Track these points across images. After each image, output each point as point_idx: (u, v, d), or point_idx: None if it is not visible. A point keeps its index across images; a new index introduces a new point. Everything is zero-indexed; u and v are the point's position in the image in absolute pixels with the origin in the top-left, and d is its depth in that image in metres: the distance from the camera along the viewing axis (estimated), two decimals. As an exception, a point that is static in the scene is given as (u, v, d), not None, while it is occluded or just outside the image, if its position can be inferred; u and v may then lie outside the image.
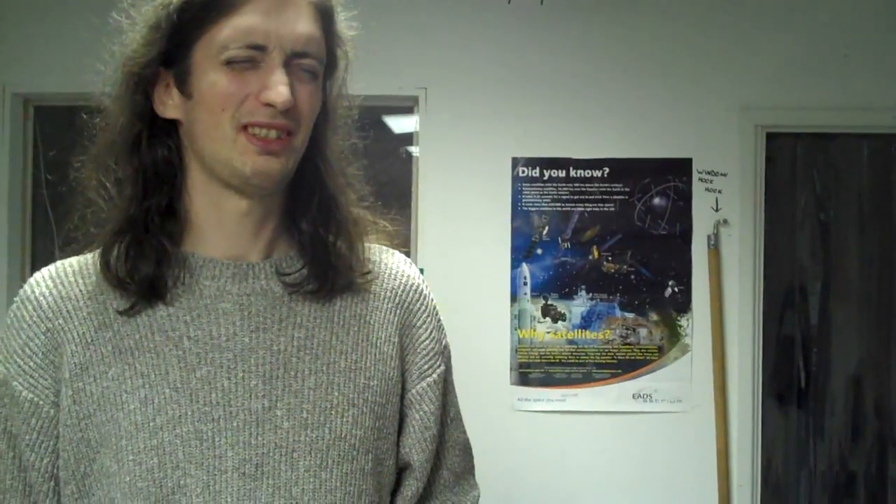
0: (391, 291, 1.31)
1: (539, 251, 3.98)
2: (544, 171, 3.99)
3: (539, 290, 3.97)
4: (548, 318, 3.97)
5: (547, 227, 3.98)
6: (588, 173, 3.98)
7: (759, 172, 3.97)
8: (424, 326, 1.34)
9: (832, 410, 4.04)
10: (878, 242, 4.06)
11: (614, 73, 4.00)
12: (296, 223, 1.27)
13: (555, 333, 3.97)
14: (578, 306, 3.97)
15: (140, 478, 1.12)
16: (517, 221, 3.99)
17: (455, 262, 3.99)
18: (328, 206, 1.27)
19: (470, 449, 1.45)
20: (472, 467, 1.45)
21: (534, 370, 3.97)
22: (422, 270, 3.86)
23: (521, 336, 3.97)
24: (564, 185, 3.98)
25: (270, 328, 1.20)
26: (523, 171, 3.99)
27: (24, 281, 1.23)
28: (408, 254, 4.10)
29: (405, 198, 4.18)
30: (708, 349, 3.93)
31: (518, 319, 3.97)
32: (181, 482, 1.13)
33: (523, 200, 3.99)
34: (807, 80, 3.97)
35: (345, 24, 1.29)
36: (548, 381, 3.97)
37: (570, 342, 3.97)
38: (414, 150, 4.15)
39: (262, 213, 1.22)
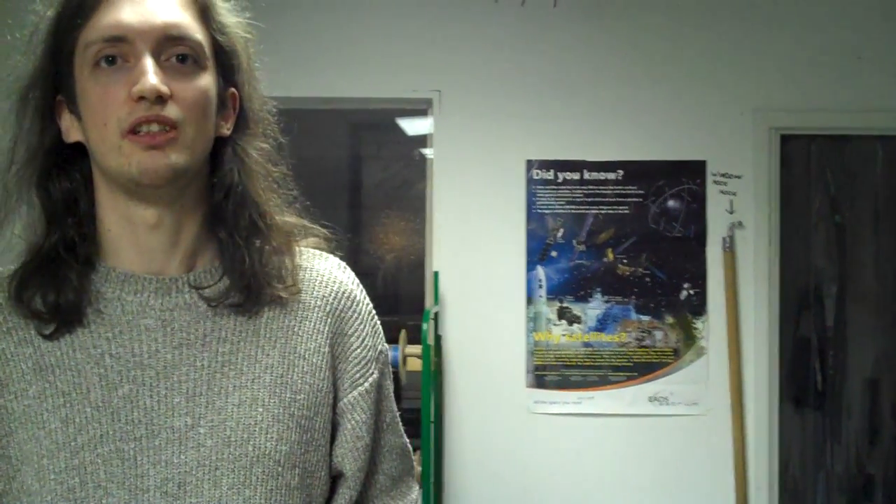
0: (322, 299, 1.27)
1: (554, 254, 3.98)
2: (558, 173, 3.99)
3: (554, 292, 3.97)
4: (563, 321, 3.97)
5: (562, 230, 3.98)
6: (602, 176, 3.98)
7: (774, 175, 3.97)
8: (356, 335, 1.29)
9: (849, 413, 4.03)
10: (893, 244, 4.05)
11: (628, 75, 4.00)
12: (215, 232, 1.22)
13: (570, 336, 3.97)
14: (594, 309, 3.97)
15: (61, 497, 1.11)
16: (532, 224, 3.99)
17: (470, 264, 3.99)
18: (249, 213, 1.22)
19: (409, 452, 1.41)
20: (411, 468, 1.42)
21: (549, 373, 3.97)
22: (437, 273, 3.88)
23: (536, 339, 3.97)
24: (579, 187, 3.98)
25: (194, 344, 1.17)
26: (537, 174, 3.99)
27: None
28: (423, 256, 4.09)
29: (419, 200, 4.19)
30: (724, 352, 3.92)
31: (534, 322, 3.97)
32: (103, 502, 1.11)
33: (538, 203, 3.99)
34: (821, 82, 3.97)
35: (233, 18, 1.24)
36: (563, 384, 3.97)
37: (586, 345, 3.97)
38: (428, 152, 4.16)
39: (174, 223, 1.18)
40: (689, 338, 3.95)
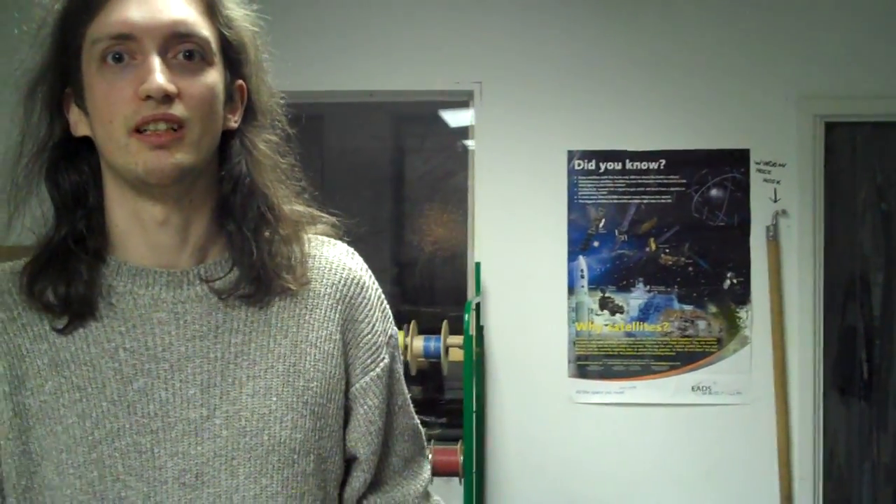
0: (331, 287, 1.29)
1: (596, 244, 3.97)
2: (600, 163, 3.98)
3: (596, 282, 3.97)
4: (605, 311, 3.96)
5: (603, 220, 3.97)
6: (644, 165, 3.97)
7: (818, 163, 3.93)
8: (367, 321, 1.31)
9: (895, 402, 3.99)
10: (941, 232, 3.99)
11: (669, 63, 3.98)
12: (223, 225, 1.23)
13: (613, 326, 3.96)
14: (636, 299, 3.96)
15: (81, 491, 1.12)
16: (573, 214, 3.98)
17: (512, 255, 4.00)
18: (258, 204, 1.23)
19: (420, 432, 1.43)
20: (423, 448, 1.44)
21: (592, 363, 3.97)
22: (478, 264, 3.89)
23: (578, 329, 3.97)
24: (620, 177, 3.97)
25: (207, 336, 1.18)
26: (579, 164, 3.98)
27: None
28: (465, 247, 4.08)
29: (462, 191, 4.20)
30: (768, 341, 3.90)
31: (576, 312, 3.97)
32: (122, 494, 1.13)
33: (579, 193, 3.98)
34: (866, 68, 3.92)
35: (240, 11, 1.24)
36: (606, 374, 3.96)
37: (629, 334, 3.96)
38: (469, 143, 4.17)
39: (183, 219, 1.19)
40: (733, 327, 3.93)
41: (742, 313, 3.92)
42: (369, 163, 6.05)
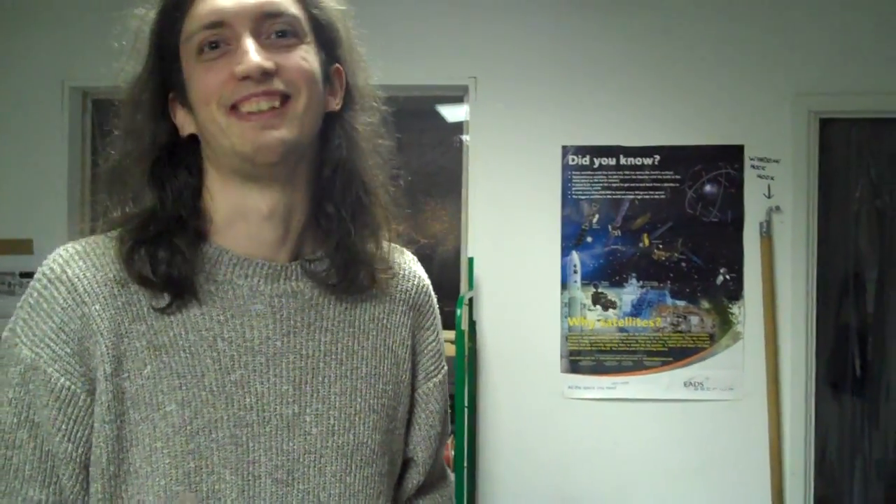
0: (405, 293, 1.33)
1: (589, 239, 3.97)
2: (594, 159, 3.98)
3: (589, 277, 3.97)
4: (598, 306, 3.96)
5: (597, 215, 3.97)
6: (638, 161, 3.96)
7: (813, 159, 3.92)
8: (432, 329, 1.36)
9: (887, 398, 3.98)
10: (935, 229, 3.99)
11: (664, 59, 3.98)
12: (322, 208, 1.24)
13: (605, 321, 3.96)
14: (629, 294, 3.96)
15: (176, 481, 1.10)
16: (567, 209, 3.98)
17: (505, 250, 4.00)
18: (357, 189, 1.24)
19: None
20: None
21: (584, 358, 3.97)
22: (472, 259, 3.89)
23: (571, 324, 3.97)
24: (615, 172, 3.97)
25: (300, 332, 1.20)
26: (573, 160, 3.98)
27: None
28: (458, 242, 4.06)
29: (458, 187, 4.20)
30: (760, 337, 3.89)
31: (568, 307, 3.97)
32: (216, 487, 1.12)
33: (573, 188, 3.98)
34: (861, 65, 3.91)
35: None
36: (598, 369, 3.96)
37: (621, 330, 3.96)
38: (464, 138, 4.17)
39: (286, 210, 1.20)
40: (725, 323, 3.92)
41: (735, 309, 3.92)
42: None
